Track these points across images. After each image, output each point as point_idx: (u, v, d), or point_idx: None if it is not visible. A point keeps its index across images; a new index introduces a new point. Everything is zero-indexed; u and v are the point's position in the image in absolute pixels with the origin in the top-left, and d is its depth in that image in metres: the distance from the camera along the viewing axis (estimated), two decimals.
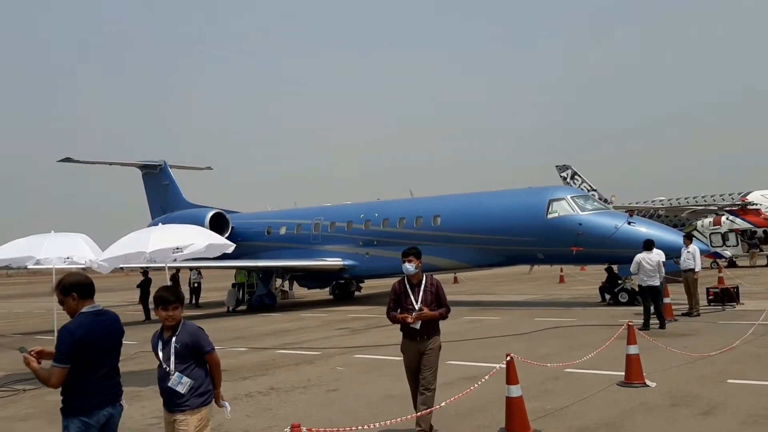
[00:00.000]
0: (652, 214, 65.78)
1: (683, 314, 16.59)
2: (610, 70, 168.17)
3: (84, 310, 4.63)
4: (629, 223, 19.56)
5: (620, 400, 8.36)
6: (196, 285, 29.55)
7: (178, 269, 29.47)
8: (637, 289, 18.73)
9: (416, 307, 6.94)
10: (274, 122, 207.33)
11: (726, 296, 18.20)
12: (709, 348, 11.39)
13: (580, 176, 75.02)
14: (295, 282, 28.81)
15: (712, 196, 58.95)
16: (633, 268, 15.12)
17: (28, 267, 12.37)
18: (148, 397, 9.72)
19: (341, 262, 25.14)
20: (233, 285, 26.03)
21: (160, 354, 4.99)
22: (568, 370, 10.03)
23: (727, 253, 37.81)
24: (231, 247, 12.25)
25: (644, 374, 9.19)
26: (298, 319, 21.21)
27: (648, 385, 8.94)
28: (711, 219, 39.93)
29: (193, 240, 11.00)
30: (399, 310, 7.13)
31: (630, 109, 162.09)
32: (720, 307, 17.70)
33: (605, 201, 70.27)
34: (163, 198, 33.25)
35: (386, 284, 36.00)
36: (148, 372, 9.78)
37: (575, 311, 19.02)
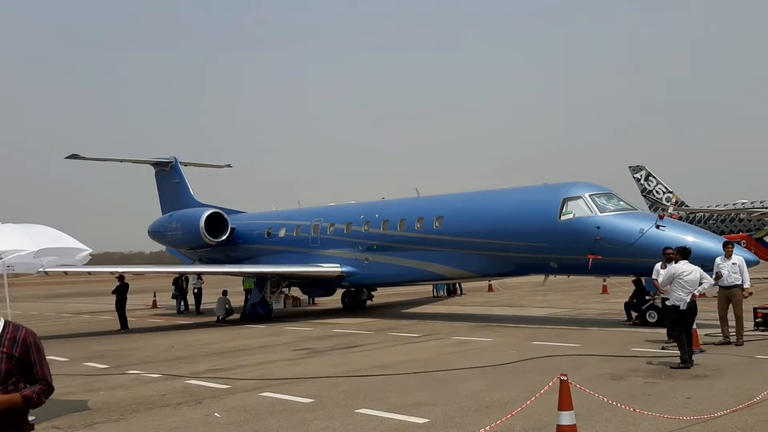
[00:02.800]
0: (732, 218, 60.75)
1: (720, 343, 13.13)
2: (687, 66, 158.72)
3: None
4: (658, 226, 16.08)
5: None
6: (196, 291, 27.55)
7: (181, 274, 27.69)
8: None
9: None
10: (302, 121, 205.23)
11: None
12: (720, 402, 8.15)
13: (654, 177, 69.95)
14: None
15: None
16: (664, 281, 11.74)
17: None
18: None
19: (339, 269, 22.49)
20: (223, 292, 23.77)
21: None
22: None
23: None
24: (85, 252, 9.72)
25: None
26: (275, 333, 18.71)
27: None
28: None
29: (18, 246, 8.54)
30: None
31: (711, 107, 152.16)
32: None
33: (681, 204, 65.81)
34: (173, 196, 31.51)
35: (402, 292, 33.44)
36: None
37: (589, 333, 15.74)
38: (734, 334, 13.14)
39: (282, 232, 25.19)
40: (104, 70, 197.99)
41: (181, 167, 32.37)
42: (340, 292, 26.44)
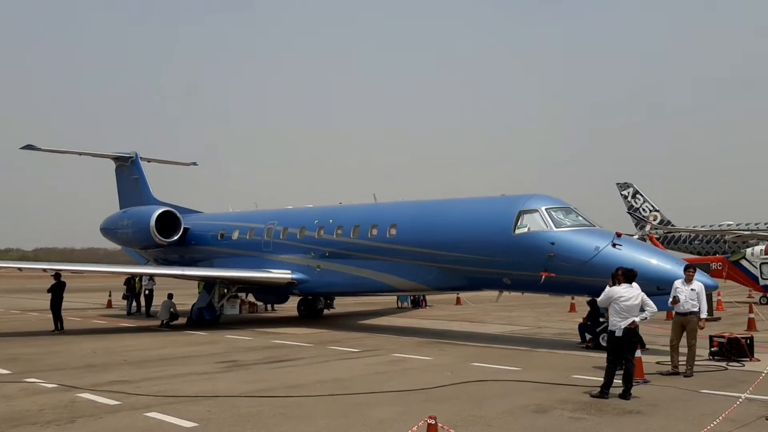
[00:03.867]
0: (710, 239, 60.15)
1: (668, 373, 12.18)
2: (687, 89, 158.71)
3: None
4: (614, 245, 15.15)
5: None
6: (147, 292, 26.40)
7: (132, 275, 26.61)
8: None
9: None
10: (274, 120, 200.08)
11: (734, 349, 13.62)
12: None
13: (642, 195, 69.46)
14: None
15: (766, 223, 52.78)
16: (601, 301, 10.84)
17: None
18: None
19: (290, 276, 21.43)
20: (168, 296, 22.66)
21: None
22: None
23: None
24: None
25: None
26: (210, 342, 17.66)
27: None
28: (763, 246, 34.33)
29: None
30: None
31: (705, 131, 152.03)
32: (723, 365, 13.13)
33: (667, 223, 65.29)
34: (132, 192, 30.39)
35: (366, 302, 32.43)
36: None
37: (536, 356, 14.78)
38: (685, 363, 12.21)
39: (235, 235, 24.12)
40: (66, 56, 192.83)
41: (143, 163, 31.30)
42: (296, 299, 25.45)
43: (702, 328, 12.37)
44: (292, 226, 22.16)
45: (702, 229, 49.71)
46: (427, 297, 32.25)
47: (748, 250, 34.84)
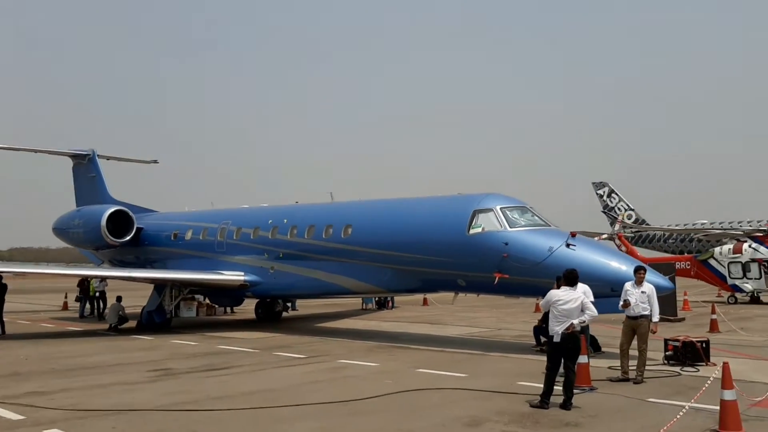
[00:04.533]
0: (684, 238, 60.13)
1: (618, 379, 11.63)
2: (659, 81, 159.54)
3: None
4: (568, 245, 14.61)
5: None
6: (98, 294, 25.48)
7: (81, 277, 25.71)
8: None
9: None
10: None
11: (689, 353, 13.12)
12: None
13: (617, 194, 69.45)
14: None
15: (739, 222, 52.83)
16: (543, 305, 10.27)
17: None
18: None
19: (242, 277, 20.67)
20: (117, 298, 21.83)
21: None
22: None
23: (747, 286, 32.15)
24: None
25: None
26: (151, 348, 16.88)
27: None
28: (731, 246, 34.12)
29: None
30: None
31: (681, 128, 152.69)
32: (677, 370, 12.61)
33: (642, 222, 65.33)
34: (89, 191, 29.40)
35: (330, 303, 31.72)
36: None
37: (486, 360, 14.22)
38: (636, 368, 11.66)
39: (189, 235, 23.30)
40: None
41: (101, 161, 30.35)
42: (253, 302, 24.70)
43: (654, 333, 11.82)
44: (246, 226, 21.41)
45: (671, 228, 49.49)
46: (395, 298, 31.70)
47: (717, 249, 34.66)
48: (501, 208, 15.82)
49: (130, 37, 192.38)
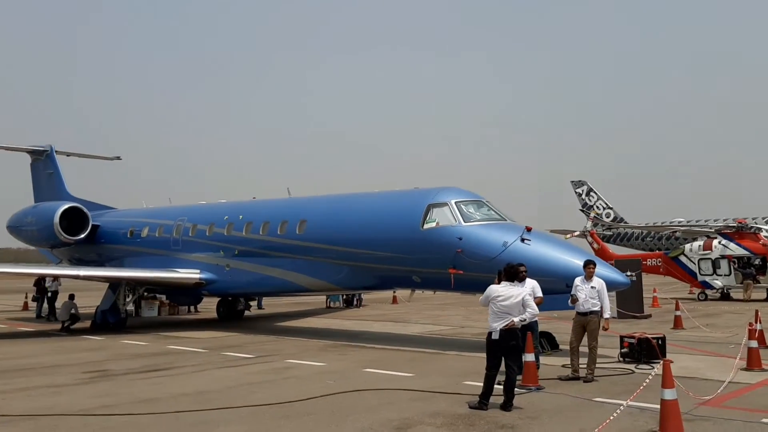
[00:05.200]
0: (661, 237, 60.11)
1: (567, 378, 11.22)
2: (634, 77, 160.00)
3: None
4: (523, 239, 14.19)
5: None
6: (50, 294, 24.71)
7: (35, 276, 24.96)
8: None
9: None
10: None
11: (644, 350, 12.75)
12: None
13: (596, 193, 69.47)
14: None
15: (715, 220, 52.90)
16: (481, 301, 9.79)
17: None
18: None
19: (197, 275, 20.08)
20: (70, 296, 21.12)
21: None
22: None
23: (717, 282, 32.05)
24: None
25: None
26: (97, 348, 16.27)
27: None
28: (701, 242, 34.01)
29: None
30: None
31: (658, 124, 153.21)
32: (632, 368, 12.24)
33: (621, 221, 65.33)
34: (47, 188, 28.65)
35: (297, 301, 31.18)
36: None
37: (438, 360, 13.76)
38: (586, 366, 11.26)
39: (145, 232, 22.64)
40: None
41: (59, 157, 29.58)
42: (213, 300, 24.12)
43: (606, 330, 11.41)
44: (202, 223, 20.81)
45: (640, 226, 49.52)
46: (363, 296, 31.24)
47: (687, 246, 34.55)
48: (456, 202, 15.37)
49: (96, 34, 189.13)
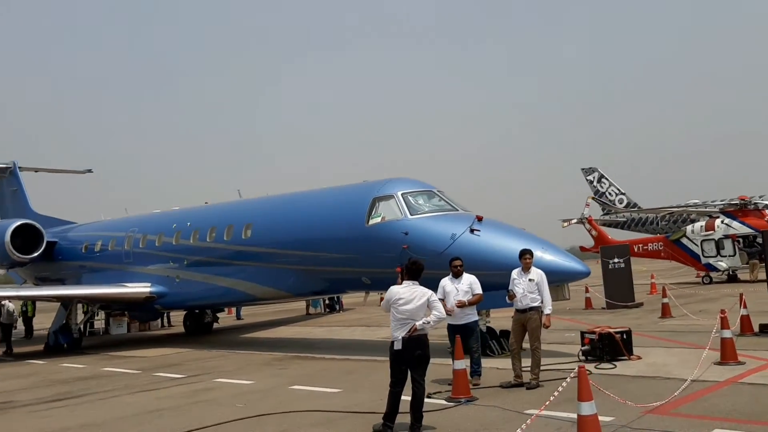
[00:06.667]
0: (676, 219, 57.90)
1: (510, 385, 9.75)
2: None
3: None
4: (473, 230, 12.74)
5: None
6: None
7: None
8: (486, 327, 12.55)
9: None
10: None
11: (607, 347, 11.27)
12: None
13: (607, 179, 67.51)
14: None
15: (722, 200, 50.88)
16: (383, 305, 8.31)
17: None
18: None
19: (148, 289, 18.84)
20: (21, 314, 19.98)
21: None
22: None
23: (722, 264, 30.30)
24: None
25: None
26: (28, 375, 15.07)
27: None
28: (703, 223, 32.28)
29: None
30: None
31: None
32: (590, 368, 10.72)
33: (634, 206, 63.24)
34: (11, 206, 27.65)
35: (276, 309, 29.94)
36: None
37: (381, 368, 12.21)
38: (530, 370, 9.80)
39: (98, 246, 21.46)
40: None
41: (26, 173, 28.60)
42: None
43: (547, 327, 9.93)
44: (152, 233, 19.57)
45: (636, 210, 47.77)
46: (358, 298, 29.94)
47: (689, 228, 32.88)
48: (402, 194, 13.96)
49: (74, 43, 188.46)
